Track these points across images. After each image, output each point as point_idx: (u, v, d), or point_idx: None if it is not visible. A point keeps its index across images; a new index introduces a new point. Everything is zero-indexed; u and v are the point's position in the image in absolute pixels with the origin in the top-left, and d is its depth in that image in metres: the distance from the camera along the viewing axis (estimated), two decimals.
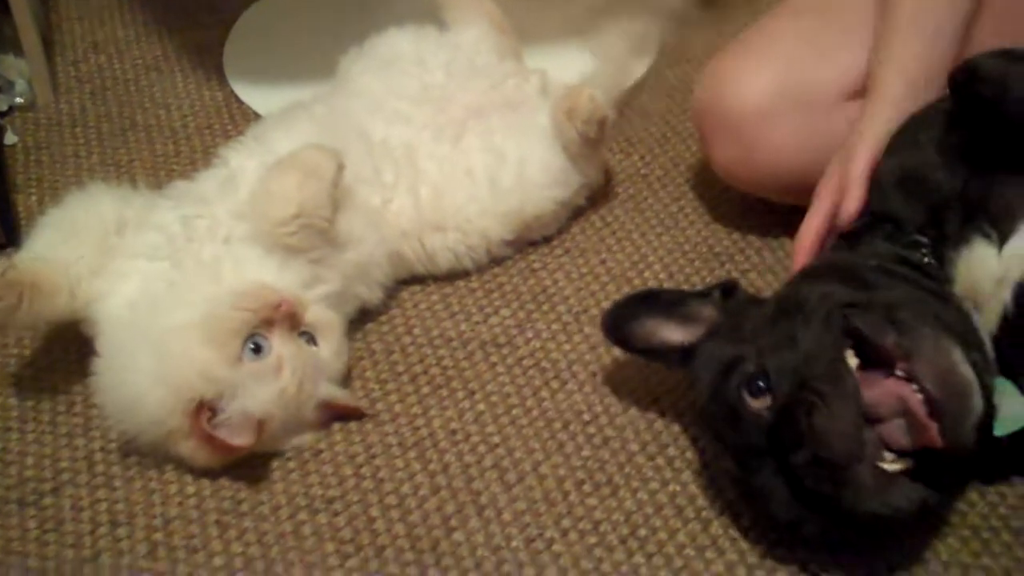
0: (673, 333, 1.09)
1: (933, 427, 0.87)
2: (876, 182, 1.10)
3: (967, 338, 0.93)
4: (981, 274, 0.98)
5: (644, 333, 1.10)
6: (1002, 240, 0.98)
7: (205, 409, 1.05)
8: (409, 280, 1.29)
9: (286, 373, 1.07)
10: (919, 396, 0.88)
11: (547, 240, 1.33)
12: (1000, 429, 0.93)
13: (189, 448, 1.07)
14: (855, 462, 0.88)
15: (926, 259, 1.03)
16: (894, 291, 0.97)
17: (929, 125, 1.07)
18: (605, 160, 1.40)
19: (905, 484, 0.90)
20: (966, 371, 0.88)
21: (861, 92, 1.18)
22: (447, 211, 1.27)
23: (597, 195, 1.38)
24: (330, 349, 1.13)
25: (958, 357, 0.89)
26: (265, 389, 1.06)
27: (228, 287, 1.10)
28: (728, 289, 1.09)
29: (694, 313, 1.09)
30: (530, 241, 1.34)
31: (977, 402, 0.88)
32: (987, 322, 0.98)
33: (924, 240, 1.04)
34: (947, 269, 1.01)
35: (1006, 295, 0.96)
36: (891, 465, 0.90)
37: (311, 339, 1.12)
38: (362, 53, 1.40)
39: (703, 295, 1.09)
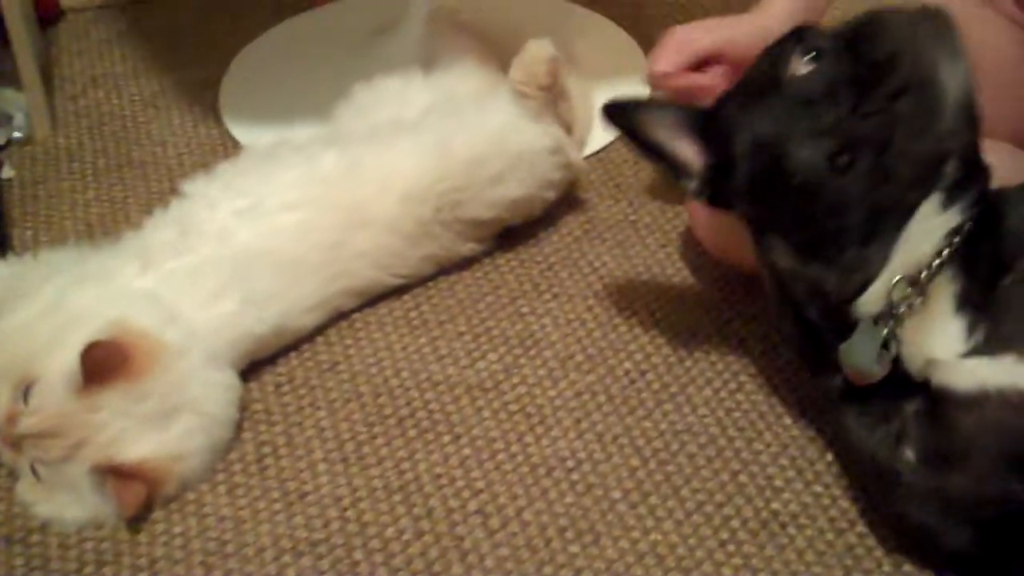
0: (686, 149, 1.11)
1: None
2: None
3: None
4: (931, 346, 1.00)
5: (656, 131, 1.12)
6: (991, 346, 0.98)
7: None
8: (400, 322, 1.31)
9: None
10: None
11: (535, 285, 1.35)
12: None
13: None
14: None
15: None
16: None
17: None
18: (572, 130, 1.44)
19: None
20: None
21: None
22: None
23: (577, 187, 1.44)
24: None
25: None
26: None
27: None
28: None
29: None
30: (515, 223, 1.39)
31: None
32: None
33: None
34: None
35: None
36: None
37: None
38: (349, 102, 1.43)
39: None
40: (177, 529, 1.10)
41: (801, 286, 1.06)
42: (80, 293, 1.17)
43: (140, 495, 1.08)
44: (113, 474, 1.07)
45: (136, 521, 1.10)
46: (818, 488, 1.11)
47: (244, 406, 1.21)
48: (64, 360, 1.09)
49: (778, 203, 1.05)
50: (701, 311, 1.31)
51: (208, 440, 1.14)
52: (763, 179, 1.05)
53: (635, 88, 1.64)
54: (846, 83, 1.02)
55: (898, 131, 0.99)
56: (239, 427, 1.19)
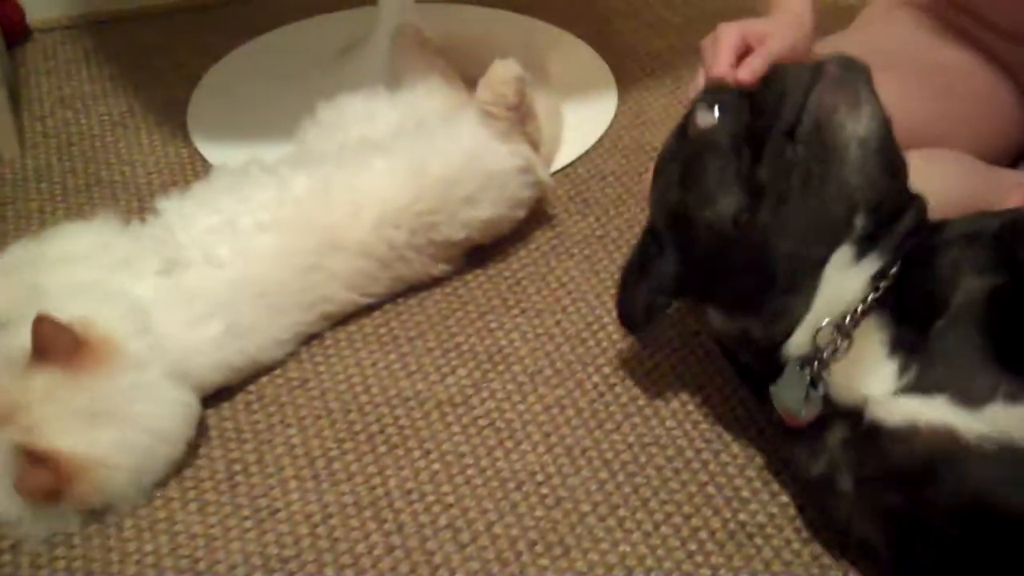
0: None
1: None
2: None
3: None
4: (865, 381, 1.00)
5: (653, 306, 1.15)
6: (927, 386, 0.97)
7: None
8: (369, 339, 1.32)
9: None
10: None
11: (503, 301, 1.36)
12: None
13: None
14: None
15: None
16: None
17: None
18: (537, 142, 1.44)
19: None
20: None
21: None
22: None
23: (544, 203, 1.47)
24: None
25: None
26: None
27: None
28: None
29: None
30: (485, 243, 1.41)
31: None
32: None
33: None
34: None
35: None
36: None
37: None
38: (315, 121, 1.44)
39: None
40: (148, 547, 1.10)
41: (732, 337, 1.08)
42: (73, 276, 1.20)
43: (43, 483, 1.07)
44: (26, 455, 1.07)
45: (73, 534, 1.11)
46: (784, 499, 1.13)
47: (214, 424, 1.21)
48: (15, 335, 1.11)
49: (698, 265, 1.07)
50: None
51: (147, 456, 1.13)
52: (683, 246, 1.08)
53: (601, 103, 1.67)
54: (746, 135, 1.03)
55: (795, 181, 0.99)
56: (209, 445, 1.19)
